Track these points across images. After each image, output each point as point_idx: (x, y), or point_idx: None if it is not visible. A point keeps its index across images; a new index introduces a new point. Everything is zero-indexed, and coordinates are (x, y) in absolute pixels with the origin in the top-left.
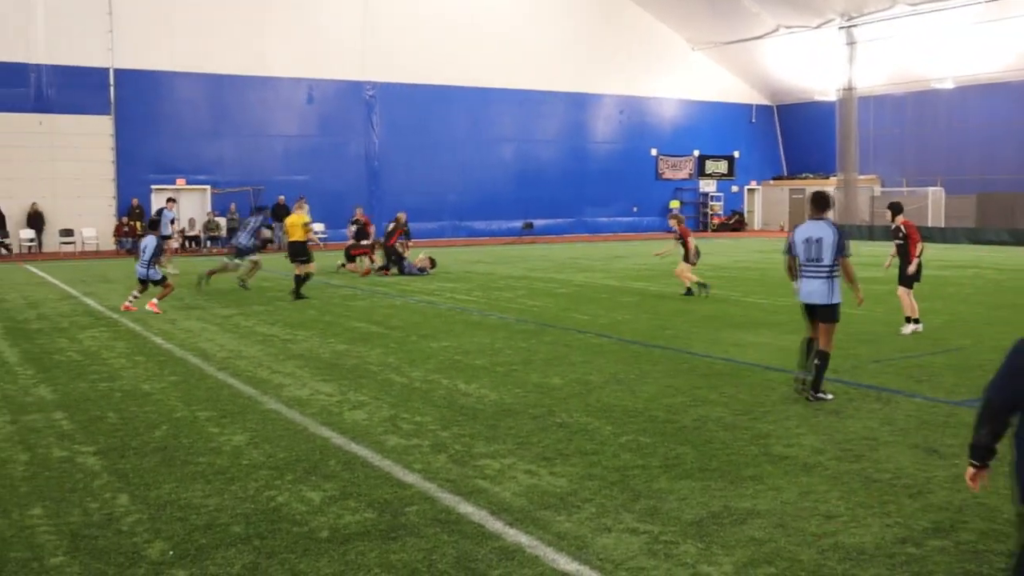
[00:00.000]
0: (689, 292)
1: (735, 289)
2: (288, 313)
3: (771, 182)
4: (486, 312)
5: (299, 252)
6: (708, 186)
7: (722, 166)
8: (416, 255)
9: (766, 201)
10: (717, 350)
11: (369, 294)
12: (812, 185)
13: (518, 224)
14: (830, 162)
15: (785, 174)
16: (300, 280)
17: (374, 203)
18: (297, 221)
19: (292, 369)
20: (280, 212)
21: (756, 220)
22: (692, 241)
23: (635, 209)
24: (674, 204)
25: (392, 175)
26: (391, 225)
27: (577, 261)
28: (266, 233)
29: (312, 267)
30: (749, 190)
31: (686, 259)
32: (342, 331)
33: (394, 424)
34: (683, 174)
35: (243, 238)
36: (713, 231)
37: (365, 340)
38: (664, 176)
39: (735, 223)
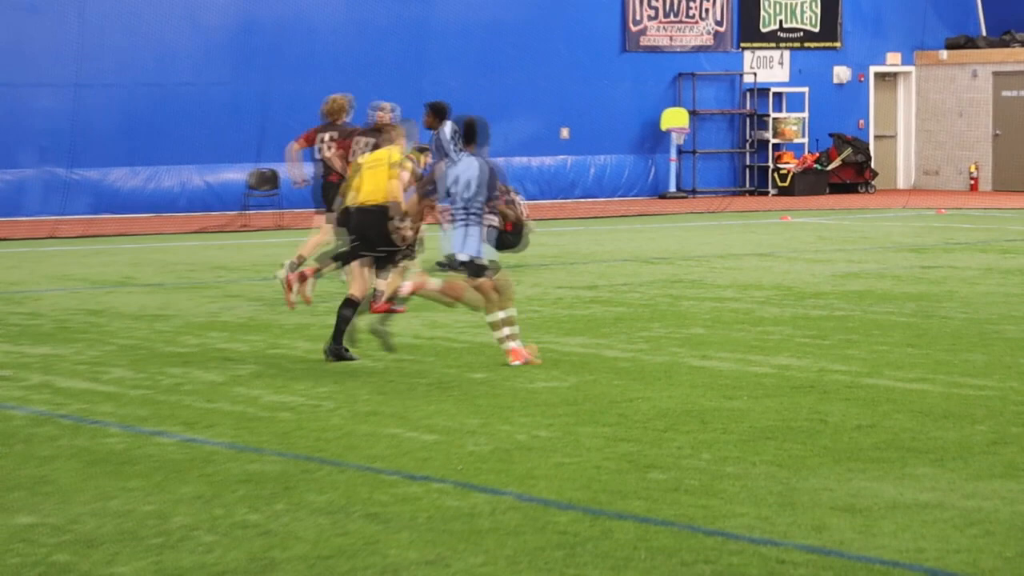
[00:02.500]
0: None
1: None
2: None
3: (942, 55)
4: None
5: None
6: (767, 70)
7: (807, 15)
8: None
9: (928, 107)
10: None
11: None
12: None
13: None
14: None
15: (984, 33)
16: None
17: None
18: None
19: None
20: None
21: (900, 162)
22: None
23: (564, 134)
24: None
25: None
26: None
27: None
28: None
29: None
30: (882, 76)
31: None
32: None
33: None
34: (697, 38)
35: None
36: (778, 191)
37: None
38: (648, 42)
39: (844, 171)
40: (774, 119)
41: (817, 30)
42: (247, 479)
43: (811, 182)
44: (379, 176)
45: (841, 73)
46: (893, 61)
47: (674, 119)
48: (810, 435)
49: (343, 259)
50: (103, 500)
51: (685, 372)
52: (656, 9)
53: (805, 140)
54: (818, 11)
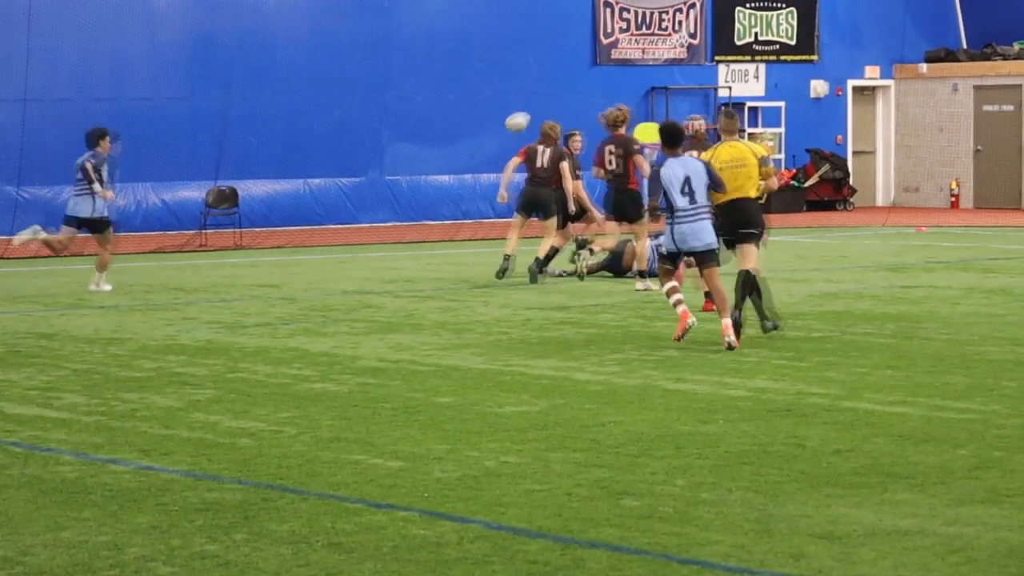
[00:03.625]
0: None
1: None
2: None
3: (921, 68)
4: None
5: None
6: (742, 84)
7: (783, 27)
8: None
9: (908, 122)
10: None
11: None
12: None
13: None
14: None
15: (964, 45)
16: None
17: None
18: None
19: None
20: None
21: (880, 179)
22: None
23: None
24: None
25: None
26: None
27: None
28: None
29: None
30: (860, 91)
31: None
32: None
33: None
34: (670, 50)
35: None
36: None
37: None
38: (619, 55)
39: (821, 188)
40: (750, 134)
41: (793, 43)
42: (205, 508)
43: (788, 199)
44: (743, 174)
45: (818, 87)
46: (872, 75)
47: (647, 134)
48: (787, 460)
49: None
50: (55, 531)
51: (659, 395)
52: (628, 21)
53: (782, 156)
54: (794, 23)
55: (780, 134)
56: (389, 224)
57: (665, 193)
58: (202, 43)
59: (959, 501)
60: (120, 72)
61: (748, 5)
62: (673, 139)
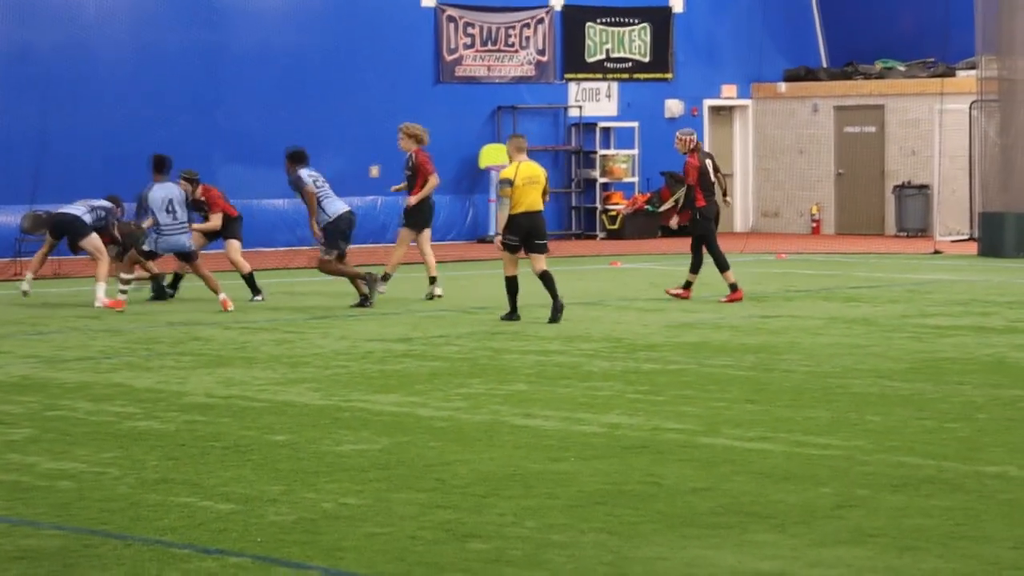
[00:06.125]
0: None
1: None
2: None
3: (780, 87)
4: None
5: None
6: (594, 103)
7: (636, 44)
8: None
9: (767, 144)
10: None
11: None
12: (900, 90)
13: None
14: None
15: (825, 64)
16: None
17: None
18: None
19: None
20: None
21: (738, 203)
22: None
23: (374, 172)
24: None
25: None
26: None
27: None
28: None
29: None
30: (717, 111)
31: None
32: None
33: None
34: (518, 68)
35: None
36: (607, 235)
37: None
38: (464, 73)
39: (677, 211)
40: (602, 156)
41: (647, 60)
42: (21, 556)
43: (642, 225)
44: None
45: (673, 106)
46: (728, 94)
47: (494, 156)
48: (643, 499)
49: None
50: None
51: (507, 432)
52: (472, 37)
53: (636, 179)
54: (648, 40)
55: (634, 156)
56: (220, 250)
57: None
58: (15, 57)
59: (822, 542)
60: None
61: (599, 21)
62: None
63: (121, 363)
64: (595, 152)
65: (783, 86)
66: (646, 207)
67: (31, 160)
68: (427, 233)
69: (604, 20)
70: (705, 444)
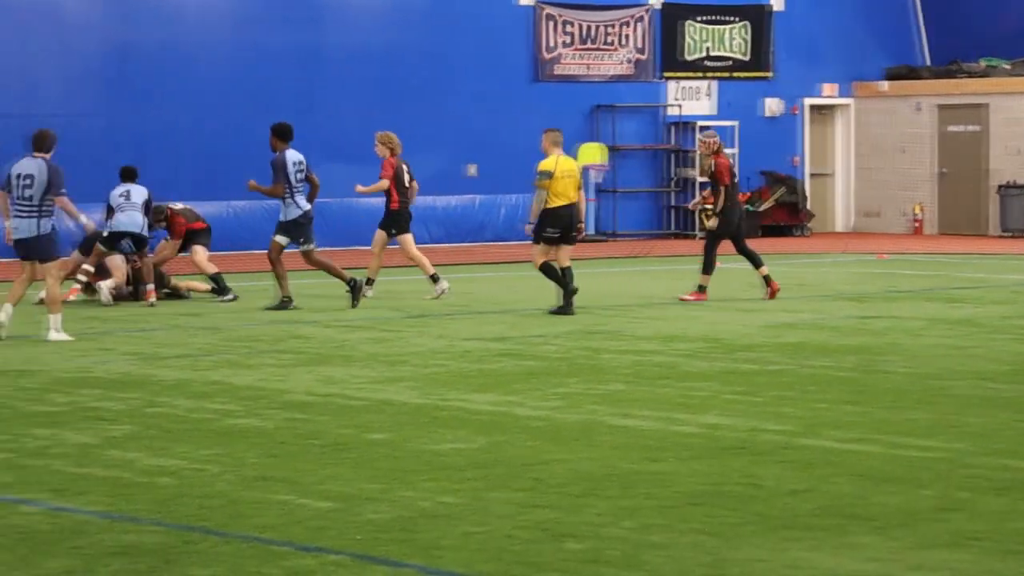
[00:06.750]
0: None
1: None
2: None
3: (883, 86)
4: None
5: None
6: (692, 102)
7: (735, 42)
8: None
9: (868, 143)
10: None
11: None
12: (1005, 88)
13: None
14: None
15: (928, 62)
16: None
17: None
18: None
19: None
20: None
21: (839, 202)
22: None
23: (471, 171)
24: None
25: None
26: None
27: None
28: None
29: None
30: (818, 109)
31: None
32: None
33: None
34: (616, 66)
35: None
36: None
37: None
38: (562, 71)
39: (777, 212)
40: (701, 154)
41: (747, 59)
42: (122, 552)
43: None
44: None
45: (773, 105)
46: (829, 93)
47: (591, 155)
48: (741, 500)
49: None
50: None
51: (604, 432)
52: (571, 35)
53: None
54: (748, 38)
55: (733, 155)
56: (320, 249)
57: None
58: (118, 55)
59: (923, 544)
60: (30, 87)
61: (698, 19)
62: None
63: (221, 360)
64: (694, 151)
65: (885, 85)
66: (745, 206)
67: (131, 159)
68: (409, 238)
69: (702, 18)
70: (804, 445)
